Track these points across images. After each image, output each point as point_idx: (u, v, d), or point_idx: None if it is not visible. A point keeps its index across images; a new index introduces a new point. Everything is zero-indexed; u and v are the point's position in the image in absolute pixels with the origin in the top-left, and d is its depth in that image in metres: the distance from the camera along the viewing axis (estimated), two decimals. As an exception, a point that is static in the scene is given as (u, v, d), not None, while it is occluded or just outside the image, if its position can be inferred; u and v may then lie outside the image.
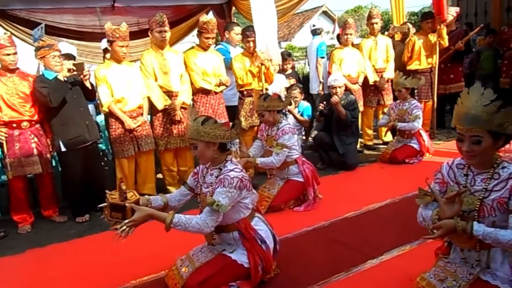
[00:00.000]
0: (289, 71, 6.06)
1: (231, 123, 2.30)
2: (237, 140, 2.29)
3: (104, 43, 4.35)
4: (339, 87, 4.61)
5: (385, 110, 5.01)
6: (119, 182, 2.15)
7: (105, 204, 2.15)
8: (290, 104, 3.47)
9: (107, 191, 2.18)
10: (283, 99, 3.51)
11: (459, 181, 1.83)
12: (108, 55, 4.20)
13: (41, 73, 3.63)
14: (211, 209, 2.06)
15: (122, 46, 3.68)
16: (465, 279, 1.81)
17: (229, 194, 2.10)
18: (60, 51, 3.67)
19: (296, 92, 4.94)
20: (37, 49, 3.55)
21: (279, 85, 5.34)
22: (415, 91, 5.57)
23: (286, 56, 5.93)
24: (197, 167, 2.46)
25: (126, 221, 1.97)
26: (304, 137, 5.72)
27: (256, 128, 4.57)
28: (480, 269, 1.81)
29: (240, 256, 2.26)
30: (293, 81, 5.81)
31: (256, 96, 3.53)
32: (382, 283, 2.28)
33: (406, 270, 2.34)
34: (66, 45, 4.46)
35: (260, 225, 2.39)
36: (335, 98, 4.47)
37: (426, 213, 1.88)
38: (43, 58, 3.52)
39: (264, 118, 3.50)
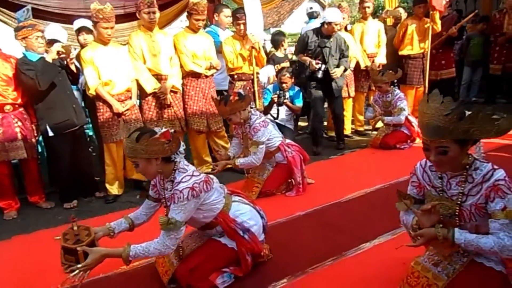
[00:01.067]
0: (283, 52, 5.79)
1: (172, 130, 2.11)
2: (182, 149, 2.08)
3: (77, 24, 4.12)
4: (335, 24, 4.49)
5: (371, 101, 4.96)
6: (71, 222, 2.02)
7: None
8: (250, 102, 3.33)
9: (61, 232, 2.03)
10: (243, 96, 3.31)
11: (435, 184, 1.79)
12: (81, 37, 4.08)
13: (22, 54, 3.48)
14: (167, 229, 1.94)
15: (107, 28, 3.54)
16: (459, 262, 1.80)
17: (182, 208, 1.96)
18: (43, 32, 3.54)
19: (286, 76, 4.86)
20: (18, 29, 3.40)
21: (266, 74, 5.25)
22: (407, 76, 5.55)
23: (281, 36, 5.74)
24: (154, 179, 2.25)
25: (79, 265, 1.86)
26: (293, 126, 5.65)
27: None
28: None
29: (229, 240, 2.23)
30: (288, 63, 5.65)
31: (216, 103, 3.38)
32: (375, 266, 2.27)
33: (399, 254, 2.31)
34: (56, 28, 4.26)
35: (241, 208, 2.30)
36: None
37: (407, 219, 1.86)
38: (25, 39, 3.38)
39: (232, 121, 3.38)
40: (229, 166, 3.53)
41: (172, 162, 2.06)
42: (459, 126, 1.53)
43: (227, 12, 4.74)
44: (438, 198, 1.76)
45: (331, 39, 4.59)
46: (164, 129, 2.03)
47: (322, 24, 4.61)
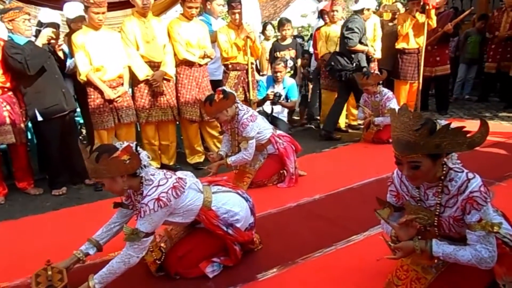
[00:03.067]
0: (289, 39, 5.66)
1: (133, 144, 1.97)
2: (146, 162, 1.97)
3: (67, 8, 3.95)
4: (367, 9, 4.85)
5: (361, 102, 4.93)
6: (46, 265, 1.97)
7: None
8: (235, 99, 3.26)
9: (34, 274, 1.98)
10: (227, 93, 3.21)
11: (413, 194, 1.76)
12: (77, 26, 3.97)
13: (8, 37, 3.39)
14: (130, 238, 1.89)
15: (98, 13, 3.46)
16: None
17: (149, 219, 1.90)
18: (29, 14, 3.47)
19: (280, 66, 4.81)
20: (4, 11, 3.33)
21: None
22: (400, 71, 5.54)
23: (284, 21, 5.62)
24: (128, 191, 2.10)
25: None
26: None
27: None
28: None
29: None
30: (292, 52, 5.56)
31: (202, 105, 3.34)
32: (366, 258, 2.26)
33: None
34: (49, 13, 4.16)
35: (223, 198, 2.22)
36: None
37: (386, 227, 1.85)
38: (12, 22, 3.31)
39: (220, 119, 3.34)
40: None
41: (138, 176, 1.96)
42: (430, 140, 1.48)
43: (219, 0, 4.67)
44: (416, 208, 1.73)
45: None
46: (125, 144, 1.94)
47: (361, 11, 4.90)
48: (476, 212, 1.55)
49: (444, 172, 1.61)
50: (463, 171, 1.61)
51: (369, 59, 5.04)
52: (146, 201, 1.89)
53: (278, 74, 4.68)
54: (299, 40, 6.78)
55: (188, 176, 2.14)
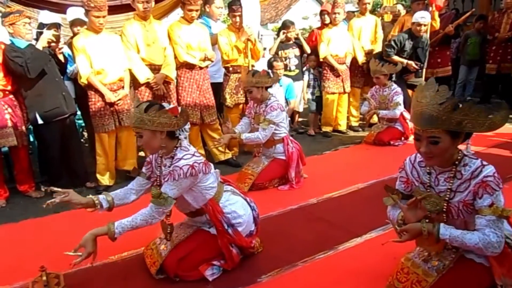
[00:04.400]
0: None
1: (179, 108, 2.11)
2: (187, 127, 2.12)
3: (70, 13, 3.99)
4: (424, 25, 4.76)
5: (368, 95, 4.94)
6: (41, 271, 1.98)
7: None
8: (276, 82, 3.38)
9: (30, 281, 2.00)
10: (271, 74, 3.40)
11: (423, 180, 1.77)
12: (75, 29, 4.02)
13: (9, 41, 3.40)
14: (157, 202, 1.96)
15: (98, 17, 3.47)
16: (449, 258, 1.79)
17: (178, 185, 1.98)
18: (30, 18, 3.48)
19: (278, 64, 4.78)
20: (5, 15, 3.34)
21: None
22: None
23: (288, 23, 5.58)
24: (150, 156, 2.28)
25: (84, 255, 1.89)
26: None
27: (241, 106, 4.49)
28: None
29: (215, 230, 2.21)
30: (297, 50, 5.48)
31: (244, 72, 3.43)
32: (366, 261, 2.26)
33: (389, 249, 2.30)
34: (49, 15, 4.17)
35: (231, 199, 2.28)
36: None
37: (393, 214, 1.85)
38: (13, 25, 3.33)
39: (252, 94, 3.42)
40: (227, 155, 3.48)
41: (175, 138, 2.08)
42: (452, 116, 1.51)
43: (218, 3, 4.67)
44: (426, 194, 1.74)
45: (423, 40, 4.93)
46: (172, 105, 2.02)
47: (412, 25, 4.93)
48: (488, 196, 1.57)
49: (459, 157, 1.64)
50: (477, 159, 1.65)
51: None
52: (181, 165, 1.97)
53: (278, 71, 4.68)
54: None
55: (211, 165, 2.21)
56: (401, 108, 4.68)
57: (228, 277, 2.18)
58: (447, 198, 1.67)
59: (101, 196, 2.15)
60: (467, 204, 1.63)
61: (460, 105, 1.51)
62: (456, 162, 1.65)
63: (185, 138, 2.11)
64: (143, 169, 2.28)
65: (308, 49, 5.50)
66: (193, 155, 2.05)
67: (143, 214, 1.98)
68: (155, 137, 1.99)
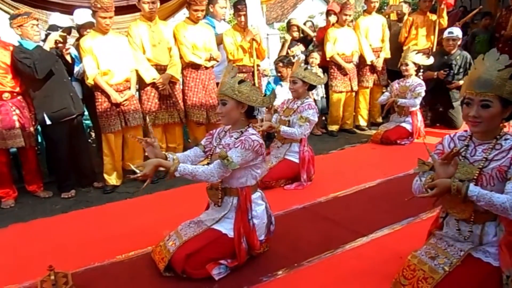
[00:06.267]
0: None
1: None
2: (264, 109, 2.25)
3: (77, 14, 3.99)
4: (453, 40, 4.80)
5: (393, 84, 4.92)
6: (49, 270, 2.00)
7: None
8: (323, 83, 3.62)
9: (39, 280, 2.02)
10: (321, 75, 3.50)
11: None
12: (86, 32, 3.98)
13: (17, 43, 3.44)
14: (221, 162, 2.04)
15: (105, 18, 3.49)
16: (456, 256, 1.78)
17: (244, 155, 2.08)
18: (37, 20, 3.52)
19: (280, 66, 4.79)
20: (13, 17, 3.38)
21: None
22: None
23: (290, 24, 5.70)
24: (213, 130, 2.42)
25: (140, 174, 1.93)
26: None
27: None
28: (471, 246, 1.78)
29: (227, 225, 2.24)
30: (302, 46, 5.54)
31: (297, 64, 3.55)
32: (372, 260, 2.25)
33: (396, 248, 2.32)
34: (61, 17, 4.19)
35: (259, 201, 2.36)
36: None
37: (419, 181, 1.84)
38: (21, 27, 3.36)
39: (295, 85, 3.49)
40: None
41: (252, 117, 2.25)
42: (508, 84, 1.59)
43: (222, 3, 4.66)
44: (460, 163, 1.74)
45: (457, 57, 4.93)
46: None
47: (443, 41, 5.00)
48: None
49: (501, 133, 1.72)
50: None
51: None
52: (253, 138, 2.12)
53: (281, 72, 4.69)
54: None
55: None
56: (420, 99, 4.65)
57: (234, 276, 2.19)
58: (480, 166, 1.70)
59: (169, 155, 2.18)
60: (501, 170, 1.65)
61: None
62: (498, 136, 1.71)
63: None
64: (203, 141, 2.40)
65: (311, 33, 5.69)
66: (260, 138, 2.18)
67: (206, 168, 2.06)
68: (236, 109, 2.15)
